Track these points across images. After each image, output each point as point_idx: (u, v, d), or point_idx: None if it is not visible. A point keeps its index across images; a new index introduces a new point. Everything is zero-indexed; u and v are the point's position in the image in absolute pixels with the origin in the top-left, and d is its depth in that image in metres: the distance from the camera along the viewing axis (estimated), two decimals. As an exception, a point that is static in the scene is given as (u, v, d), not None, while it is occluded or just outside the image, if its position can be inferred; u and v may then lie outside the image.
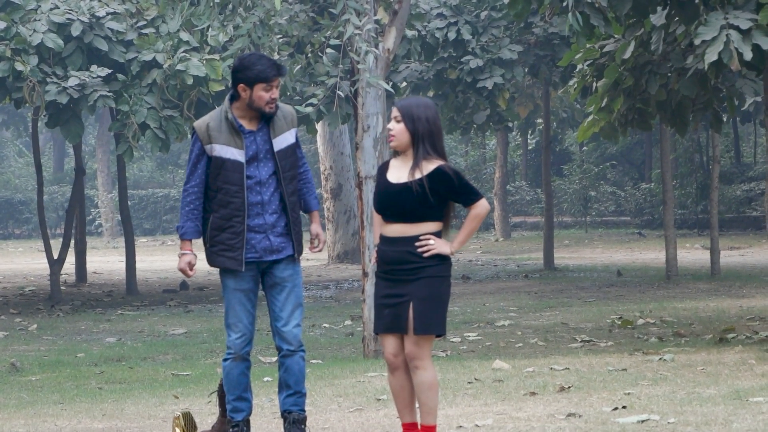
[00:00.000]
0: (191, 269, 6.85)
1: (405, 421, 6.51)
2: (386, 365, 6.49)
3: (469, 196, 6.43)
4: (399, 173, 6.45)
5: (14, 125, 49.98)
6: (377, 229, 6.60)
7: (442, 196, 6.39)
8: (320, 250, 7.04)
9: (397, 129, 6.43)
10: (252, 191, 6.76)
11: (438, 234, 6.41)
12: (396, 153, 6.53)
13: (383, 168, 6.55)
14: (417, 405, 6.49)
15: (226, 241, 6.76)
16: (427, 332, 6.33)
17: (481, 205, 6.45)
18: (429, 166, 6.39)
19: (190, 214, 6.81)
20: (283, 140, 6.84)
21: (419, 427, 6.45)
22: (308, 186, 6.99)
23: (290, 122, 6.89)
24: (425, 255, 6.34)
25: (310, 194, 7.01)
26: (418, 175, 6.35)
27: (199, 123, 6.83)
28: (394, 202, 6.39)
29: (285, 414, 6.84)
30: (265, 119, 6.82)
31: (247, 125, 6.80)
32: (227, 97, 6.84)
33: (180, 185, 49.26)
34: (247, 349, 6.83)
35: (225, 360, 6.86)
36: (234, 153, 6.74)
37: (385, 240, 6.45)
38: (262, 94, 6.73)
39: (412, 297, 6.34)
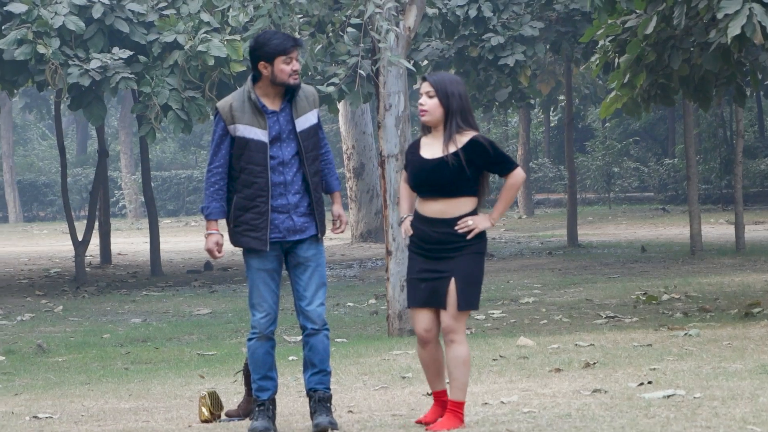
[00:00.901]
0: (219, 249, 6.86)
1: (436, 389, 6.59)
2: (417, 339, 6.51)
3: (504, 165, 6.45)
4: (432, 150, 6.46)
5: (37, 108, 50.14)
6: (405, 202, 6.63)
7: (478, 168, 6.41)
8: (342, 231, 7.05)
9: (431, 104, 6.44)
10: (275, 171, 6.77)
11: (474, 210, 6.44)
12: (426, 130, 6.53)
13: (414, 147, 6.55)
14: (447, 380, 6.54)
15: (250, 221, 6.77)
16: (468, 308, 6.42)
17: (518, 174, 6.47)
18: (463, 139, 6.41)
19: (215, 195, 6.82)
20: (305, 120, 6.85)
21: (448, 402, 6.50)
22: (329, 167, 7.00)
23: (312, 103, 6.90)
24: (468, 237, 6.37)
25: (332, 175, 7.01)
26: (452, 149, 6.37)
27: (222, 103, 6.83)
28: (431, 178, 6.41)
29: (310, 392, 6.86)
30: (288, 98, 6.82)
31: (270, 105, 6.81)
32: (249, 78, 6.84)
33: (203, 166, 49.35)
34: (271, 328, 6.85)
35: (250, 340, 6.87)
36: (257, 133, 6.75)
37: (423, 220, 6.46)
38: (283, 67, 6.74)
39: (454, 273, 6.38)
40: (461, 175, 6.37)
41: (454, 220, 6.40)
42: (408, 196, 6.66)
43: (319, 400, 6.82)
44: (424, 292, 6.45)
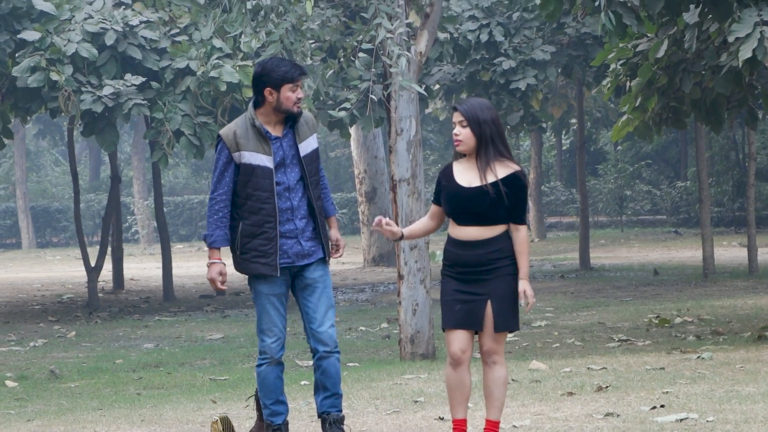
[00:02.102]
0: (222, 280, 6.84)
1: (458, 417, 6.56)
2: (449, 360, 6.50)
3: (522, 214, 6.53)
4: (469, 177, 6.48)
5: (50, 134, 50.36)
6: (414, 224, 6.68)
7: (509, 201, 6.45)
8: (341, 255, 7.08)
9: (465, 134, 6.46)
10: (281, 197, 6.79)
11: (507, 233, 6.49)
12: (458, 156, 6.54)
13: (449, 173, 6.55)
14: (481, 401, 6.55)
15: (259, 248, 6.77)
16: (506, 329, 6.45)
17: (525, 229, 6.57)
18: (504, 169, 6.44)
19: (218, 222, 6.81)
20: (307, 145, 6.89)
21: (485, 422, 6.51)
22: (325, 192, 7.03)
23: (312, 127, 6.95)
24: (527, 308, 6.47)
25: (327, 200, 7.05)
26: (491, 178, 6.40)
27: (225, 131, 6.85)
28: (470, 206, 6.44)
29: (323, 415, 6.87)
30: (290, 125, 6.86)
31: (272, 131, 6.84)
32: (250, 105, 6.86)
33: (215, 191, 49.41)
34: (281, 353, 6.86)
35: (259, 366, 6.87)
36: (263, 159, 6.77)
37: (458, 244, 6.48)
38: (289, 95, 6.78)
39: (490, 295, 6.43)
40: (500, 204, 6.42)
41: (490, 242, 6.44)
42: (418, 222, 6.72)
43: (333, 422, 6.83)
44: (459, 314, 6.46)
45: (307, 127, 6.90)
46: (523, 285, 6.47)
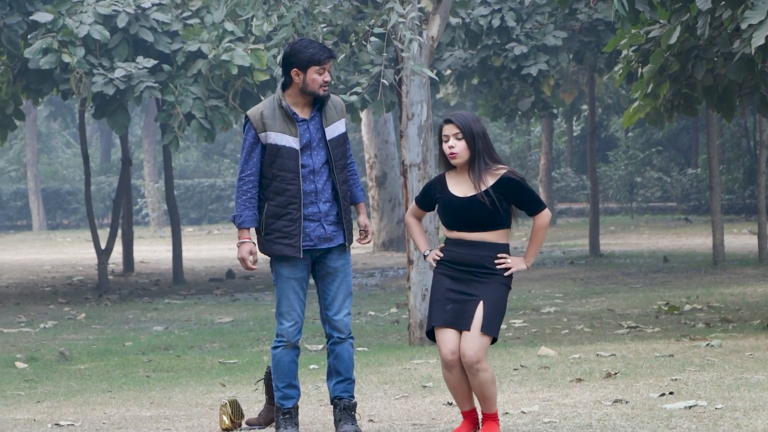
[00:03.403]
0: (253, 259, 6.84)
1: (465, 410, 6.58)
2: (442, 363, 6.49)
3: (534, 204, 6.51)
4: (462, 188, 6.50)
5: (61, 117, 50.41)
6: (421, 239, 6.74)
7: (509, 202, 6.46)
8: (369, 242, 7.07)
9: (460, 147, 6.49)
10: (306, 180, 6.78)
11: (507, 238, 6.51)
12: (448, 167, 6.55)
13: (441, 183, 6.57)
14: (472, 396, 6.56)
15: (283, 229, 6.77)
16: (490, 332, 6.41)
17: (546, 215, 6.56)
18: (494, 176, 6.47)
19: (247, 203, 6.81)
20: (334, 129, 6.87)
21: (481, 415, 6.52)
22: (354, 177, 7.02)
23: (340, 112, 6.93)
24: (505, 274, 6.44)
25: (356, 186, 7.03)
26: (483, 187, 6.42)
27: (253, 111, 6.85)
28: (466, 216, 6.46)
29: (335, 400, 6.88)
30: (317, 108, 6.85)
31: (300, 113, 6.83)
32: (279, 85, 6.86)
33: (225, 175, 49.48)
34: (298, 337, 6.87)
35: (275, 348, 6.88)
36: (289, 140, 6.76)
37: (460, 243, 6.48)
38: (315, 77, 6.76)
39: (483, 297, 6.41)
40: (495, 212, 6.44)
41: (492, 245, 6.45)
42: (421, 230, 6.76)
43: (344, 408, 6.84)
44: (450, 313, 6.45)
45: (335, 111, 6.89)
46: (516, 261, 6.46)
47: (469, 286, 6.44)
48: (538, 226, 6.54)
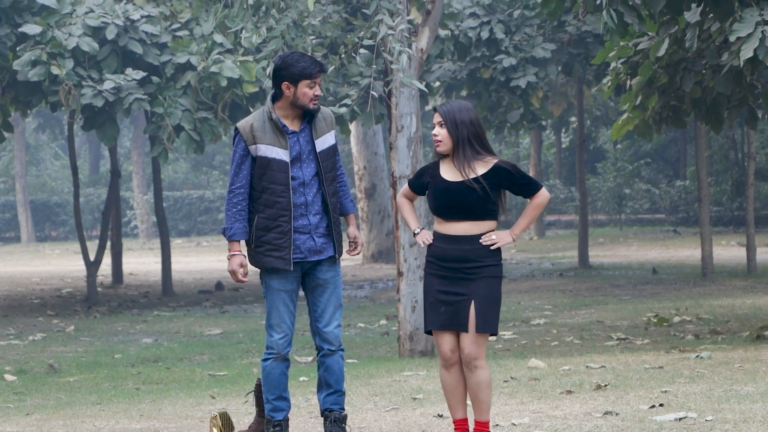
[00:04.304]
0: (244, 271, 6.84)
1: (457, 417, 6.59)
2: (441, 362, 6.53)
3: (530, 186, 6.55)
4: (453, 174, 6.54)
5: (50, 128, 50.34)
6: (411, 216, 6.73)
7: (502, 188, 6.52)
8: (359, 253, 7.08)
9: (442, 133, 6.56)
10: (296, 192, 6.79)
11: (493, 231, 6.53)
12: (442, 156, 6.60)
13: (434, 169, 6.61)
14: (468, 402, 6.55)
15: (273, 241, 6.78)
16: (486, 330, 6.45)
17: (543, 194, 6.59)
18: (484, 166, 6.50)
19: (237, 215, 6.81)
20: (324, 141, 6.89)
21: (473, 423, 6.52)
22: (344, 189, 7.03)
23: (330, 124, 6.95)
24: (492, 248, 6.45)
25: (346, 197, 7.04)
26: (471, 174, 6.46)
27: (243, 123, 6.86)
28: (456, 200, 6.48)
29: (326, 413, 6.87)
30: (307, 120, 6.86)
31: (290, 125, 6.84)
32: (269, 98, 6.87)
33: (215, 186, 49.43)
34: (288, 349, 6.87)
35: (265, 360, 6.88)
36: (279, 153, 6.77)
37: (445, 238, 6.51)
38: (306, 90, 6.78)
39: (473, 296, 6.44)
40: (486, 200, 6.47)
41: (477, 237, 6.48)
42: (412, 209, 6.78)
43: (335, 420, 6.84)
44: (444, 315, 6.48)
45: (324, 123, 6.91)
46: (502, 235, 6.49)
47: (459, 285, 6.46)
48: (534, 203, 6.58)
